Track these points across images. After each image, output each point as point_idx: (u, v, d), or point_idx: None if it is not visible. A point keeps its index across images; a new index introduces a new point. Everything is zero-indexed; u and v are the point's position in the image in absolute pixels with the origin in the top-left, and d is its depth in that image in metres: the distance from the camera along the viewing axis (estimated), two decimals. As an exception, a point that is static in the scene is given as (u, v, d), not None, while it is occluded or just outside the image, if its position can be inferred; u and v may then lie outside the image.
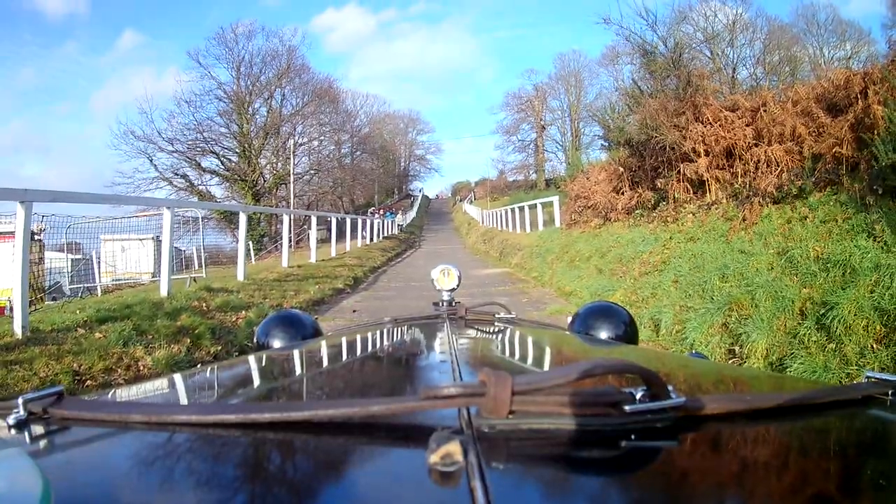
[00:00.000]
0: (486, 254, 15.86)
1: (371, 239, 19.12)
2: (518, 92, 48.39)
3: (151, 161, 25.76)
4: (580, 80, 45.33)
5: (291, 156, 24.48)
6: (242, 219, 8.54)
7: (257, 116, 27.62)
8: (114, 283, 11.36)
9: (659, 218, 7.57)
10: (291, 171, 24.44)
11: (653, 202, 8.16)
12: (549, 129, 47.16)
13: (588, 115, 46.94)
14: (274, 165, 28.23)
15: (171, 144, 25.79)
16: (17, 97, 61.52)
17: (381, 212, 24.27)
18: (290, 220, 11.06)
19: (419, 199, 51.12)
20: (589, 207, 9.89)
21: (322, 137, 32.23)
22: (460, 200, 50.31)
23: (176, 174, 26.45)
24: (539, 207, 13.69)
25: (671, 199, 7.69)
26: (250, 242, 24.76)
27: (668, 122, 7.21)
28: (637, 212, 8.41)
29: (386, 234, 22.09)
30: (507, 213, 18.83)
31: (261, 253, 22.88)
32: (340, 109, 34.39)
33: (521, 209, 15.70)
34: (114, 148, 25.71)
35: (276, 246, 24.66)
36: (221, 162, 27.07)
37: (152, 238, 13.96)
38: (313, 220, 13.21)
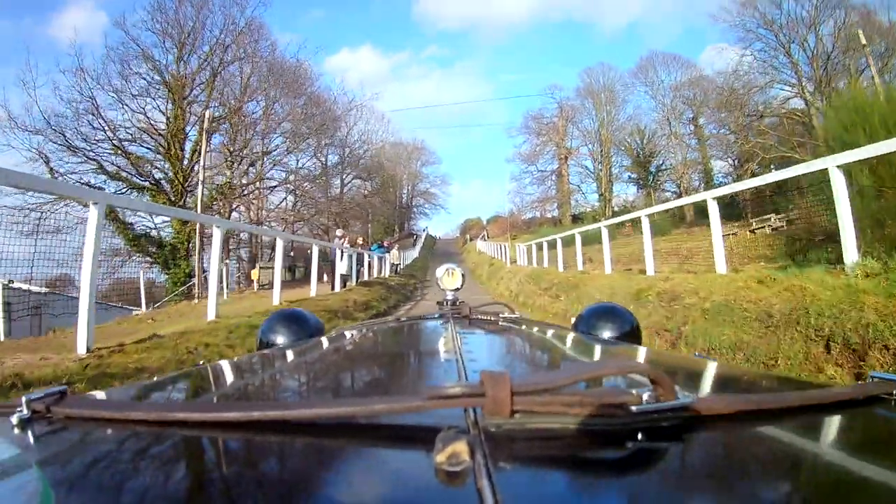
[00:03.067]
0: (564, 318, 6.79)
1: (335, 286, 10.12)
2: (539, 112, 40.89)
3: (41, 156, 16.90)
4: (612, 94, 37.89)
5: (203, 150, 15.55)
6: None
7: (195, 105, 19.11)
8: None
9: None
10: (202, 168, 15.54)
11: None
12: (576, 157, 39.30)
13: (622, 137, 39.55)
14: (228, 176, 19.82)
15: (64, 137, 17.00)
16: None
17: (360, 242, 15.28)
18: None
19: (422, 237, 42.74)
20: None
21: (296, 146, 23.77)
22: (471, 239, 41.92)
23: (80, 181, 17.35)
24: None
25: None
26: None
27: None
28: None
29: (368, 278, 13.16)
30: (561, 243, 10.68)
31: (181, 295, 14.14)
32: (327, 115, 25.93)
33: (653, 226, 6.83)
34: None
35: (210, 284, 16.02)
36: (134, 165, 18.20)
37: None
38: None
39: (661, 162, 37.58)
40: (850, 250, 3.56)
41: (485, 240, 33.20)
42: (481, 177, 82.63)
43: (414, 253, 31.90)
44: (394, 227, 42.59)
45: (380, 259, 16.16)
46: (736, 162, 33.16)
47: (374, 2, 67.37)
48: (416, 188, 48.74)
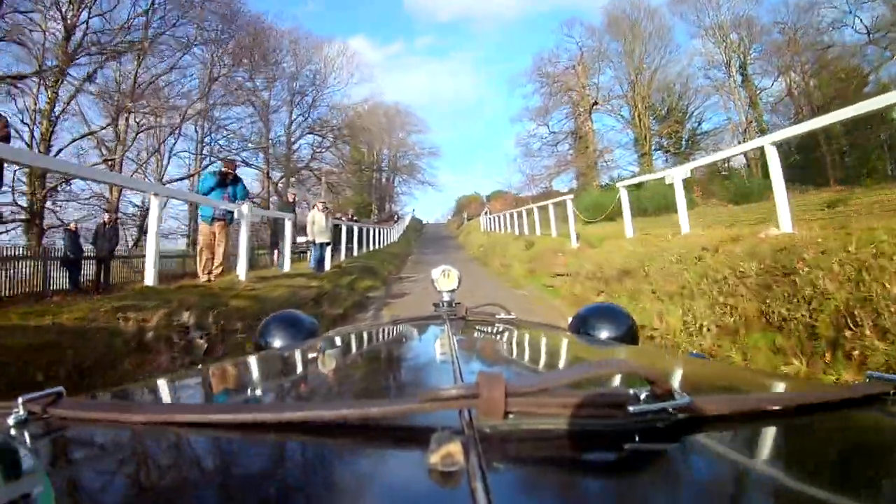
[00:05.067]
0: None
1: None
2: (553, 52, 31.43)
3: None
4: (641, 30, 28.60)
5: None
6: None
7: None
8: None
9: None
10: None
11: None
12: (604, 109, 30.13)
13: (660, 86, 30.26)
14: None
15: None
16: None
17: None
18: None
19: (406, 219, 33.54)
20: None
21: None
22: (468, 219, 32.71)
23: None
24: None
25: None
26: None
27: None
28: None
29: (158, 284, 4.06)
30: None
31: None
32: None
33: None
34: None
35: None
36: None
37: None
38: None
39: (696, 124, 28.72)
40: None
41: (487, 214, 24.08)
42: (477, 163, 74.35)
43: (393, 235, 22.69)
44: (370, 205, 33.15)
45: (224, 220, 5.90)
46: (816, 111, 24.59)
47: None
48: (399, 161, 39.34)
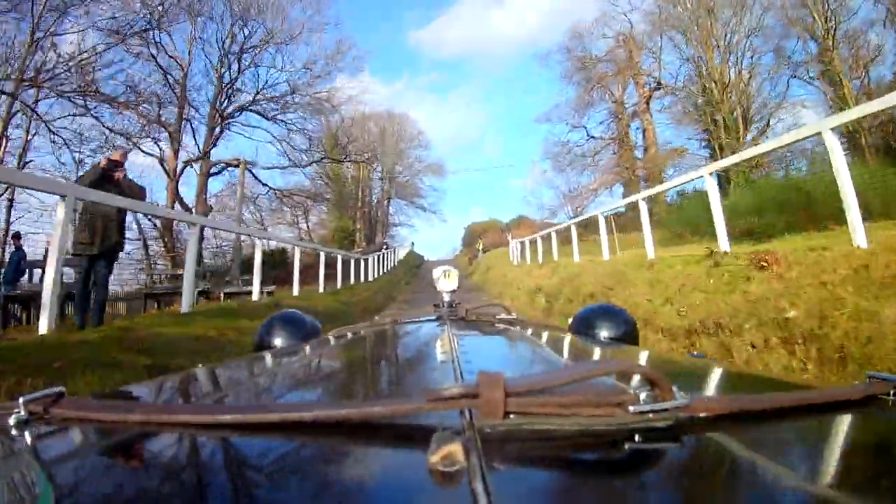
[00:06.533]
0: None
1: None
2: (597, 25, 23.49)
3: None
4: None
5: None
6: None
7: None
8: None
9: None
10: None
11: None
12: (667, 95, 22.65)
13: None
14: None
15: None
16: None
17: None
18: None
19: (401, 252, 25.66)
20: None
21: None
22: (484, 251, 24.63)
23: None
24: None
25: None
26: None
27: None
28: None
29: None
30: None
31: None
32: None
33: None
34: None
35: None
36: None
37: None
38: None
39: (761, 124, 21.08)
40: None
41: (512, 238, 16.05)
42: (484, 202, 68.97)
43: (375, 269, 14.61)
44: (353, 231, 25.18)
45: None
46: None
47: (373, 29, 54.56)
48: (396, 183, 31.74)
